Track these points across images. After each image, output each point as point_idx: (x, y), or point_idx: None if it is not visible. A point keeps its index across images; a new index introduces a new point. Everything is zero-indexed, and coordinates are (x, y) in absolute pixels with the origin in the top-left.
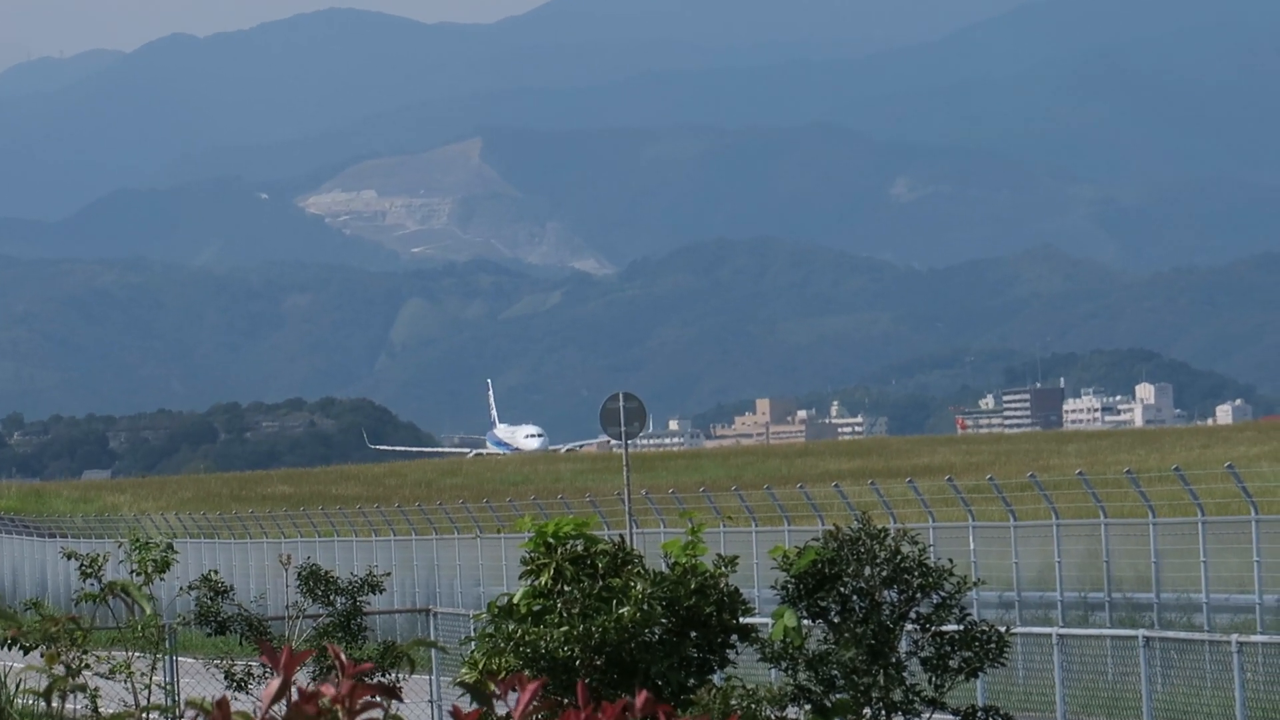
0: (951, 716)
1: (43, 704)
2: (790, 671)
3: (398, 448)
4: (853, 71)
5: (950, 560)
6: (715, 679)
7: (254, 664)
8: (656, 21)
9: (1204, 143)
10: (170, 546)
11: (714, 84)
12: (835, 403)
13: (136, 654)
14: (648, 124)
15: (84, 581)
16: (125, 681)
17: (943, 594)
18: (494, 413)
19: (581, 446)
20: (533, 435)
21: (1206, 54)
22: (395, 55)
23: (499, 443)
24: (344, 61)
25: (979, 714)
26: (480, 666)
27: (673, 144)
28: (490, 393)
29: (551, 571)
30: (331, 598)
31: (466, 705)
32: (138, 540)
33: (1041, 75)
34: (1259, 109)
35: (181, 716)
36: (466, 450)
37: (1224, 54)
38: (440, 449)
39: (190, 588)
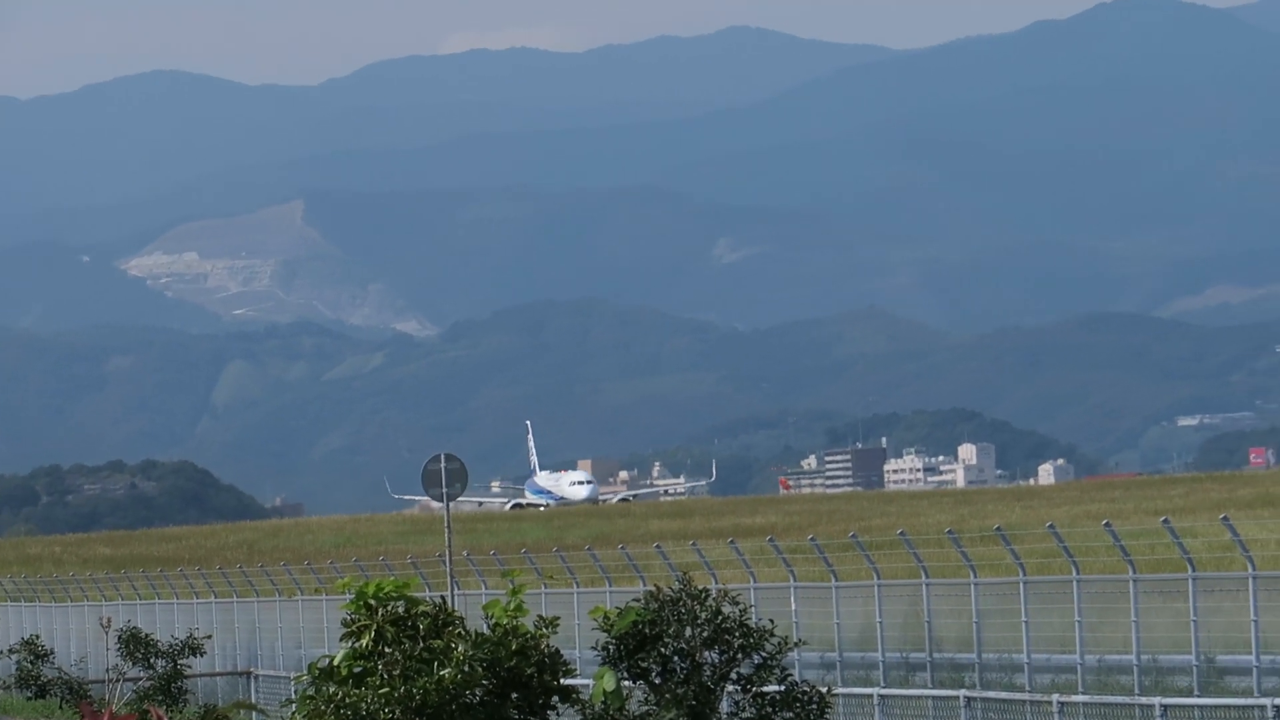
0: None
1: None
2: None
3: (418, 497)
4: (675, 134)
5: (772, 621)
6: None
7: None
8: (481, 85)
9: (1026, 205)
10: None
11: (537, 146)
12: (657, 463)
13: None
14: (471, 186)
15: None
16: None
17: (764, 654)
18: (534, 459)
19: (635, 497)
20: (580, 483)
21: (1027, 119)
22: (219, 117)
23: (540, 491)
24: (167, 124)
25: None
26: None
27: (496, 206)
28: (530, 436)
29: (372, 633)
30: (152, 660)
31: None
32: None
33: (864, 138)
34: (1079, 173)
35: None
36: (505, 500)
37: (1044, 119)
38: (478, 499)
39: (10, 651)
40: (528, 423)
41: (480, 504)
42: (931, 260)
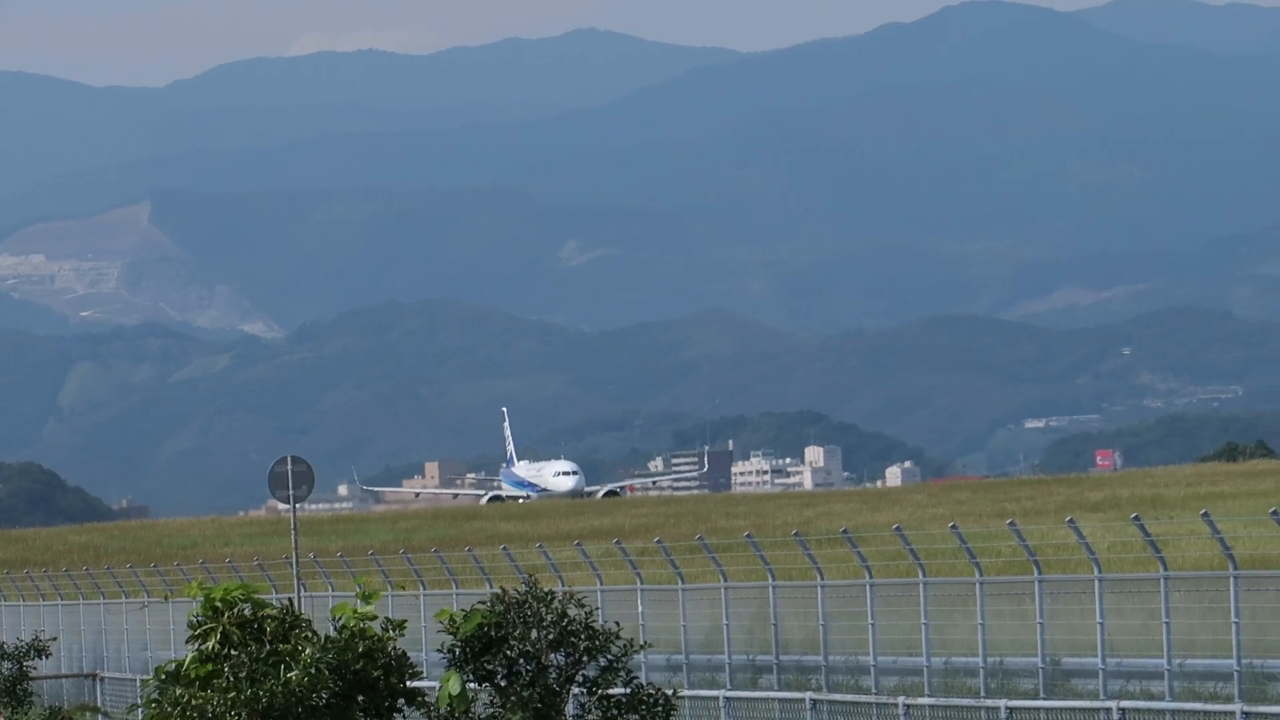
0: None
1: None
2: None
3: (389, 488)
4: (523, 136)
5: (618, 623)
6: None
7: None
8: (329, 86)
9: (874, 208)
10: None
11: (385, 148)
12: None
13: None
14: (318, 187)
15: None
16: None
17: (610, 657)
18: (510, 447)
19: (622, 489)
20: (566, 473)
21: (876, 122)
22: (65, 119)
23: (519, 483)
24: (13, 126)
25: None
26: None
27: (343, 207)
28: (506, 424)
29: (218, 636)
30: None
31: None
32: None
33: (711, 140)
34: (926, 176)
35: None
36: (480, 493)
37: (892, 122)
38: (454, 490)
39: None
40: (504, 409)
41: (455, 496)
42: (779, 263)
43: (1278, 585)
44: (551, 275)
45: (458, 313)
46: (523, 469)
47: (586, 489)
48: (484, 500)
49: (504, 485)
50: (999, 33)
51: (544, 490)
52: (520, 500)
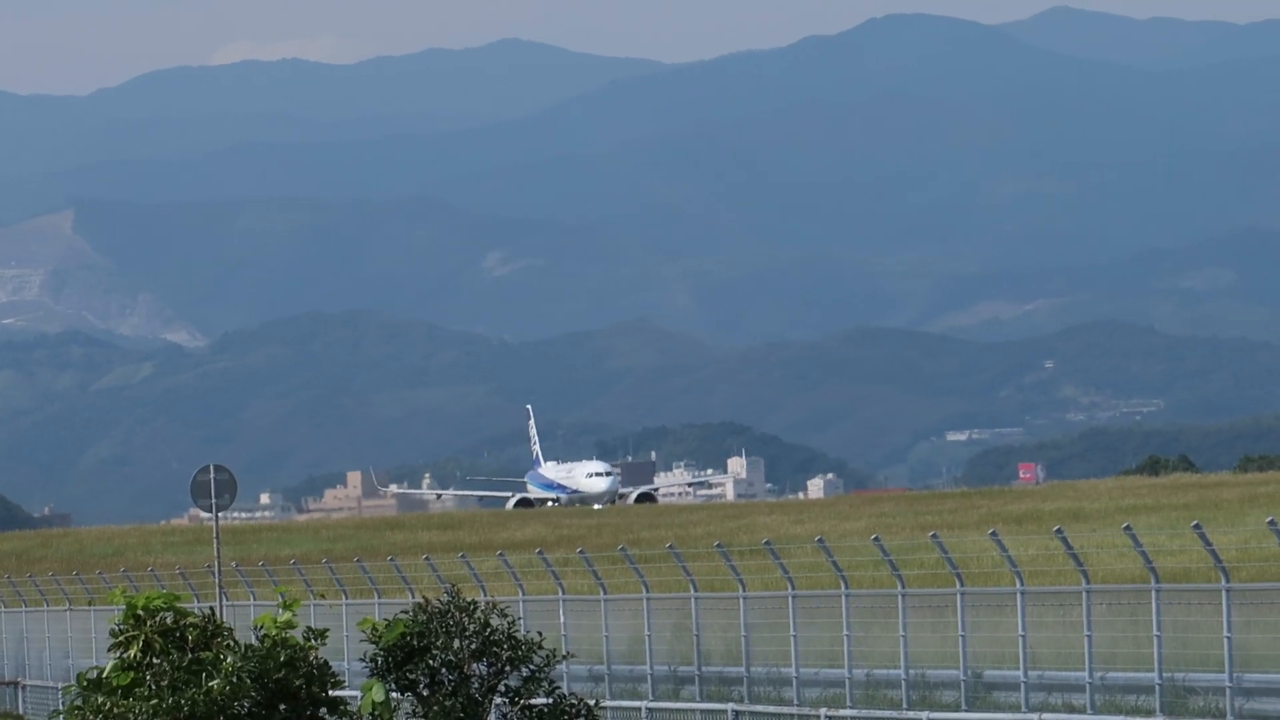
0: None
1: None
2: None
3: (410, 491)
4: (446, 146)
5: (540, 633)
6: None
7: None
8: (253, 95)
9: (797, 220)
10: None
11: (309, 158)
12: (427, 475)
13: None
14: (242, 196)
15: None
16: None
17: (532, 667)
18: (536, 448)
19: (657, 491)
20: (599, 474)
21: (799, 134)
22: None
23: (547, 484)
24: None
25: None
26: None
27: (266, 216)
28: (531, 422)
29: (140, 644)
30: None
31: None
32: None
33: (636, 151)
34: (850, 188)
35: None
36: (508, 495)
37: (816, 134)
38: (480, 493)
39: None
40: (528, 407)
41: (481, 498)
42: (702, 274)
43: (1199, 599)
44: (475, 286)
45: (380, 323)
46: (551, 470)
47: (623, 490)
48: (510, 503)
49: (531, 487)
50: (923, 46)
51: (575, 492)
52: (550, 503)
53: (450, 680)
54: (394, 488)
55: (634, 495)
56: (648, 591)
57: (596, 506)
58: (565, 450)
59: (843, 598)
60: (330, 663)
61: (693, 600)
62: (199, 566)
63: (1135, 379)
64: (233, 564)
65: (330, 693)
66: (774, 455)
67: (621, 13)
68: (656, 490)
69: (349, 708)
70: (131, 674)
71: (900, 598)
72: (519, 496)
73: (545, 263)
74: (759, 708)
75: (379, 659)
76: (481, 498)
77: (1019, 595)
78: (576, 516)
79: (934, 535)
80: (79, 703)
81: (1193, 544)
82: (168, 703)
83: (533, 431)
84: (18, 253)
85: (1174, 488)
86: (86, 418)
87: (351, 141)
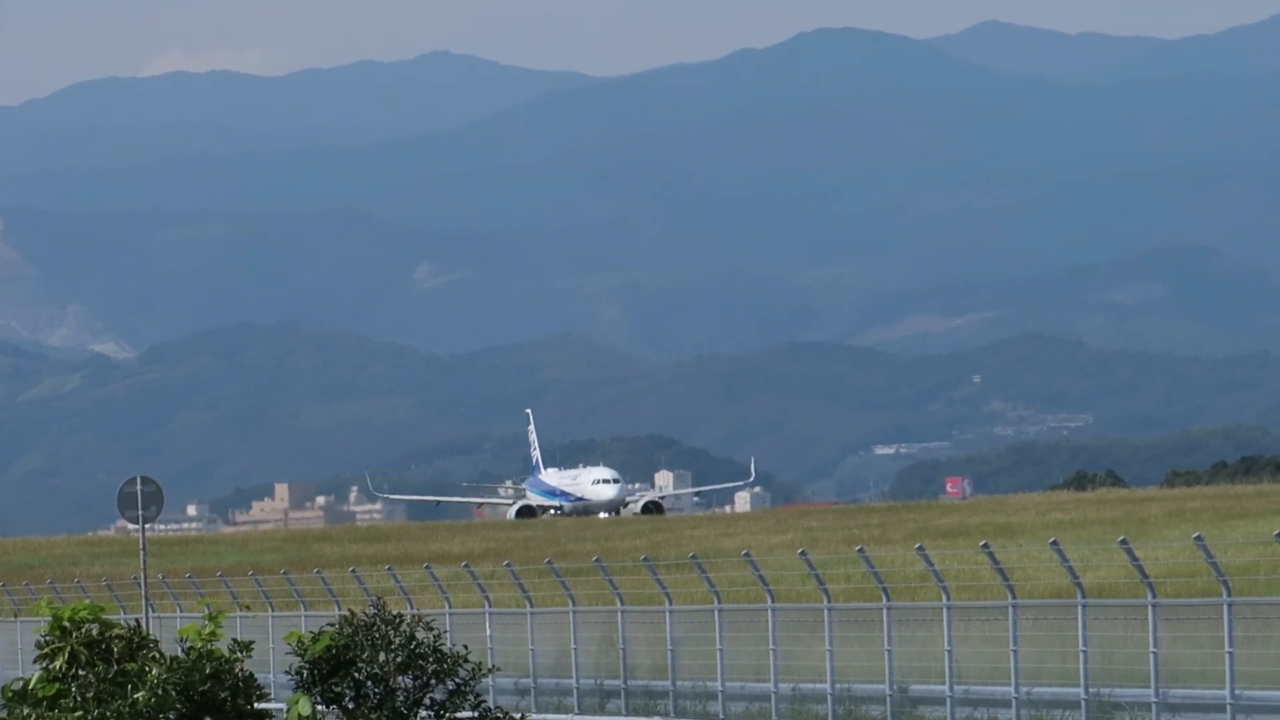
0: None
1: None
2: None
3: (406, 497)
4: (376, 158)
5: (466, 646)
6: None
7: None
8: (183, 106)
9: (726, 234)
10: None
11: (239, 168)
12: (354, 488)
13: None
14: (171, 207)
15: None
16: None
17: (458, 680)
18: (536, 453)
19: (663, 499)
20: (606, 481)
21: (728, 148)
22: None
23: (550, 492)
24: None
25: None
26: None
27: (196, 227)
28: (531, 427)
29: (66, 656)
30: None
31: None
32: None
33: (565, 164)
34: (779, 202)
35: None
36: (508, 501)
37: (745, 148)
38: (480, 499)
39: None
40: (528, 411)
41: (479, 505)
42: (631, 287)
43: (1125, 614)
44: (404, 298)
45: (309, 335)
46: (553, 477)
47: (630, 498)
48: (511, 513)
49: (530, 495)
50: (852, 60)
51: (579, 500)
52: (553, 512)
53: (376, 693)
54: (393, 496)
55: (640, 505)
56: (574, 605)
57: (603, 515)
58: (494, 463)
59: (769, 612)
60: (256, 675)
61: (619, 614)
62: (125, 578)
63: (1063, 393)
64: (159, 576)
65: (256, 705)
66: (702, 468)
67: (553, 26)
68: (663, 499)
69: None
70: (57, 685)
71: (827, 612)
72: (520, 504)
73: (474, 275)
74: None
75: (305, 672)
76: (479, 505)
77: (945, 610)
78: (506, 530)
79: (860, 550)
80: (4, 714)
81: (1119, 559)
82: (93, 714)
83: (533, 437)
84: None
85: (1101, 503)
86: (14, 429)
87: (282, 152)
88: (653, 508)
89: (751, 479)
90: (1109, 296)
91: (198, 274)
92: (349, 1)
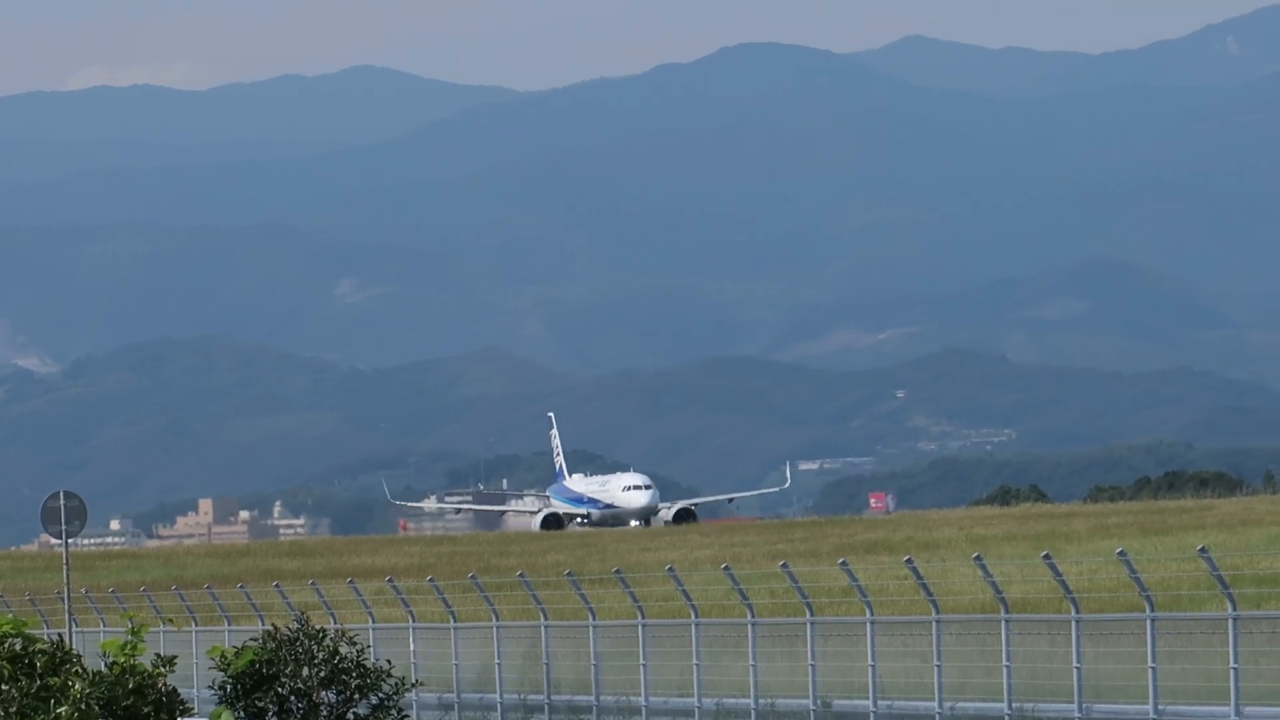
0: None
1: None
2: None
3: (419, 504)
4: (299, 172)
5: (389, 661)
6: None
7: None
8: (105, 121)
9: (649, 249)
10: None
11: (160, 183)
12: (278, 503)
13: None
14: (93, 222)
15: None
16: None
17: (381, 695)
18: (560, 460)
19: (696, 506)
20: (637, 487)
21: (651, 162)
22: None
23: (576, 499)
24: None
25: None
26: None
27: (118, 242)
28: (554, 431)
29: None
30: None
31: None
32: None
33: (488, 179)
34: (701, 217)
35: None
36: (534, 510)
37: (668, 163)
38: (501, 508)
39: None
40: (551, 415)
41: (502, 513)
42: (554, 302)
43: (1049, 629)
44: (326, 313)
45: (231, 349)
46: (579, 483)
47: (662, 504)
48: (536, 522)
49: (555, 502)
50: (775, 75)
51: (609, 507)
52: (580, 520)
53: (299, 708)
54: (431, 501)
55: (673, 512)
56: (498, 620)
57: (634, 524)
58: (418, 478)
59: (693, 627)
60: (179, 690)
61: (543, 628)
62: (49, 592)
63: (986, 408)
64: (82, 590)
65: None
66: None
67: (476, 41)
68: (696, 506)
69: None
70: None
71: (750, 627)
72: (546, 513)
73: (397, 290)
74: None
75: (228, 686)
76: (502, 513)
77: (869, 625)
78: (429, 544)
79: (784, 564)
80: None
81: (1043, 574)
82: None
83: (556, 442)
84: None
85: (1025, 517)
86: None
87: (204, 166)
88: (685, 515)
89: (787, 484)
90: (1032, 312)
91: (121, 288)
92: (272, 16)
